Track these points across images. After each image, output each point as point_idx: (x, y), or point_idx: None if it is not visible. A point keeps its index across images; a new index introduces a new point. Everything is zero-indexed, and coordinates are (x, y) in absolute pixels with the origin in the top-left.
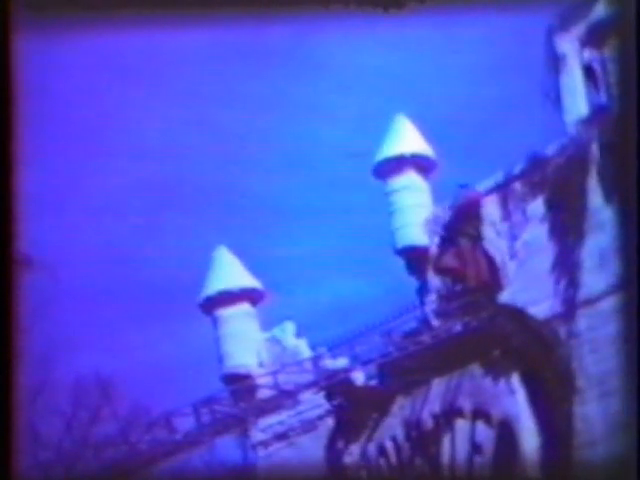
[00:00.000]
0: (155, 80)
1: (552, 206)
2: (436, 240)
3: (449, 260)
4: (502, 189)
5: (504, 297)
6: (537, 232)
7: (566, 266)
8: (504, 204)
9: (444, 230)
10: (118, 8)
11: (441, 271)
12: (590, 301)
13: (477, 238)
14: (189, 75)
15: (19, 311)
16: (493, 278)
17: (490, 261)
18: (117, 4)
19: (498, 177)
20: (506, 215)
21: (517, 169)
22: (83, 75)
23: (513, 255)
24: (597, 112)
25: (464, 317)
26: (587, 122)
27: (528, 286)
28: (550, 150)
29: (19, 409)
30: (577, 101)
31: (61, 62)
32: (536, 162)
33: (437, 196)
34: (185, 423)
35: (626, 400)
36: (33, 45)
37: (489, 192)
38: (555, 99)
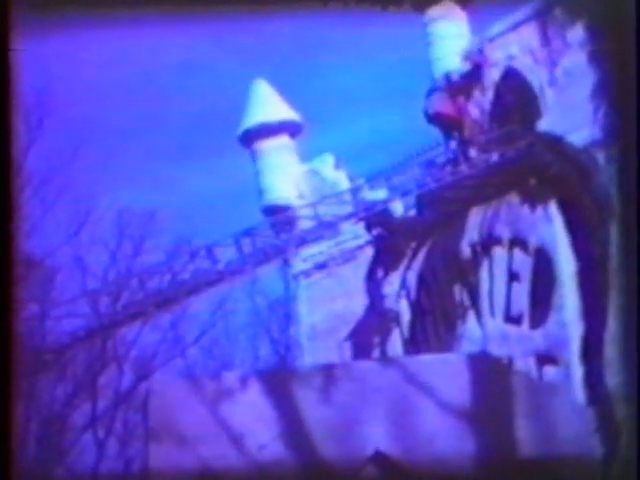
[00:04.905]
0: (154, 80)
1: (593, 31)
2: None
3: (440, 105)
4: (541, 16)
5: (542, 125)
6: (577, 58)
7: (607, 92)
8: (543, 31)
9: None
10: (119, 7)
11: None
12: None
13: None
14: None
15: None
16: (526, 109)
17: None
18: (118, 3)
19: (537, 3)
20: (545, 42)
21: None
22: (83, 74)
23: (552, 82)
24: None
25: (501, 147)
26: None
27: (567, 113)
28: None
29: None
30: None
31: (61, 62)
32: None
33: (475, 27)
34: (227, 253)
35: None
36: (33, 45)
37: (528, 19)
38: None
